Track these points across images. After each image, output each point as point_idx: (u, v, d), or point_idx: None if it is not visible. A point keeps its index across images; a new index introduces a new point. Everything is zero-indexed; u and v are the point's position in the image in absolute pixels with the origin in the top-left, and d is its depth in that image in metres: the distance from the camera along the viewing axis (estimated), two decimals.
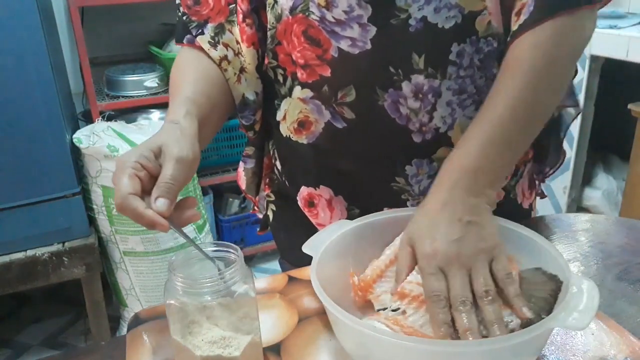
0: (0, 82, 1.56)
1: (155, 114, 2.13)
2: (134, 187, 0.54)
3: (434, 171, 0.73)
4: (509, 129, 0.61)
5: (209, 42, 0.74)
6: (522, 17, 0.63)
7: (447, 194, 0.60)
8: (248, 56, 0.76)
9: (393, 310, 0.58)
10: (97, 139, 1.75)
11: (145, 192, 0.55)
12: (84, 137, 1.76)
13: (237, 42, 0.75)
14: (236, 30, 0.75)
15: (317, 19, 0.67)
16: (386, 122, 0.70)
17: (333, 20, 0.66)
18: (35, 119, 1.62)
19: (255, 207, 0.96)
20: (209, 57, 0.74)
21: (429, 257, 0.57)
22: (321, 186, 0.78)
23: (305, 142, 0.76)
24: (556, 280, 0.57)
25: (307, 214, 0.81)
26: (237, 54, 0.76)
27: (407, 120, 0.70)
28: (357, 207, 0.78)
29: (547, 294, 0.56)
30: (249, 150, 0.90)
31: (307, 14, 0.67)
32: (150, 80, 2.03)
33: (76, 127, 1.92)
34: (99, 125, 1.84)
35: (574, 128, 2.15)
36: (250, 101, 0.78)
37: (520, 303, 0.54)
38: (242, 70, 0.76)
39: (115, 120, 1.90)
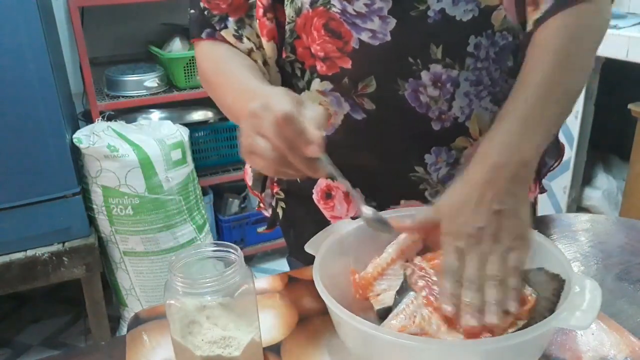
0: (0, 82, 1.56)
1: (155, 114, 2.13)
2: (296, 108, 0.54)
3: (452, 159, 0.74)
4: (545, 106, 0.62)
5: (234, 35, 0.75)
6: (544, 6, 0.65)
7: (485, 172, 0.59)
8: (268, 50, 0.76)
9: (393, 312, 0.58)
10: (97, 139, 1.75)
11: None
12: (84, 137, 1.76)
13: (257, 36, 0.76)
14: (256, 24, 0.75)
15: (339, 11, 0.68)
16: (406, 111, 0.71)
17: (354, 12, 0.68)
18: (35, 119, 1.62)
19: (261, 204, 0.97)
20: (238, 49, 0.75)
21: (451, 236, 0.58)
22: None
23: (324, 134, 0.77)
24: (559, 279, 0.57)
25: (322, 207, 0.82)
26: (259, 47, 0.76)
27: (427, 109, 0.71)
28: (374, 199, 0.78)
29: (549, 293, 0.56)
30: None
31: (328, 7, 0.69)
32: (150, 80, 2.03)
33: (76, 127, 1.92)
34: (99, 125, 1.84)
35: (574, 128, 2.15)
36: None
37: (512, 295, 0.54)
38: (264, 63, 0.77)
39: (115, 120, 1.90)
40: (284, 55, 0.78)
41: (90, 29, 2.08)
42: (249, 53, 0.75)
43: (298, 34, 0.74)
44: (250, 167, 0.93)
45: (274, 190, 0.91)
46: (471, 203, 0.58)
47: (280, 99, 0.55)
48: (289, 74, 0.79)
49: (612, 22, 1.96)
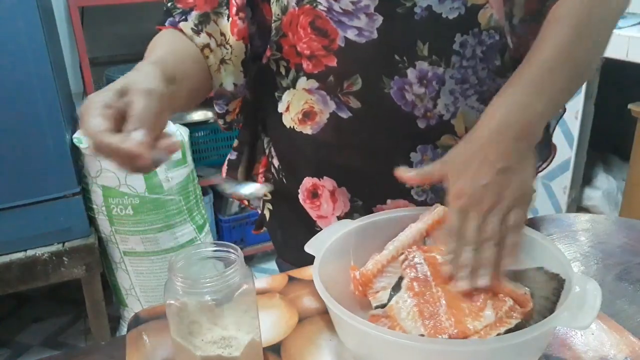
0: (0, 82, 1.56)
1: None
2: (104, 123, 0.51)
3: (438, 157, 0.74)
4: (556, 74, 0.62)
5: (192, 28, 0.73)
6: None
7: (491, 130, 0.59)
8: (237, 49, 0.75)
9: (381, 307, 0.59)
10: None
11: (116, 131, 0.52)
12: (84, 137, 1.76)
13: (222, 34, 0.75)
14: (222, 21, 0.74)
15: (325, 9, 0.68)
16: (392, 109, 0.71)
17: (340, 10, 0.68)
18: (35, 119, 1.62)
19: (233, 197, 0.97)
20: (191, 41, 0.73)
21: (454, 197, 0.59)
22: (325, 177, 0.79)
23: (309, 132, 0.77)
24: (558, 279, 0.57)
25: (308, 206, 0.82)
26: (220, 45, 0.75)
27: (412, 107, 0.71)
28: (360, 198, 0.78)
29: (549, 293, 0.56)
30: (235, 142, 0.91)
31: (314, 5, 0.68)
32: None
33: (76, 127, 1.92)
34: None
35: (574, 128, 2.15)
36: (227, 91, 0.78)
37: (508, 252, 0.56)
38: (222, 61, 0.75)
39: None
40: (268, 53, 0.77)
41: (90, 29, 2.08)
42: (203, 49, 0.73)
43: (284, 32, 0.73)
44: (227, 161, 0.93)
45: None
46: (476, 161, 0.58)
47: (95, 118, 0.51)
48: (273, 72, 0.78)
49: None
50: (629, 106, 1.88)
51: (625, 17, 2.08)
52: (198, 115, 2.18)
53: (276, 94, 0.80)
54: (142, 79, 0.56)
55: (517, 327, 0.53)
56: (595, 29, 0.65)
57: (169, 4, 0.75)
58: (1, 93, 1.57)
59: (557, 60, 0.62)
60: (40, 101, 1.61)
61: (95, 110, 0.52)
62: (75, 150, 1.75)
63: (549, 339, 0.57)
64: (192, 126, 2.07)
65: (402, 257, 0.62)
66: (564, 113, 0.85)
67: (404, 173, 0.64)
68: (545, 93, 0.61)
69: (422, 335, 0.54)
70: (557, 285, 0.56)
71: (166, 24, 0.74)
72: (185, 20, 0.73)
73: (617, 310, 0.66)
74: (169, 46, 0.71)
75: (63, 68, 2.00)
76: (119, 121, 0.52)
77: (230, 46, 0.75)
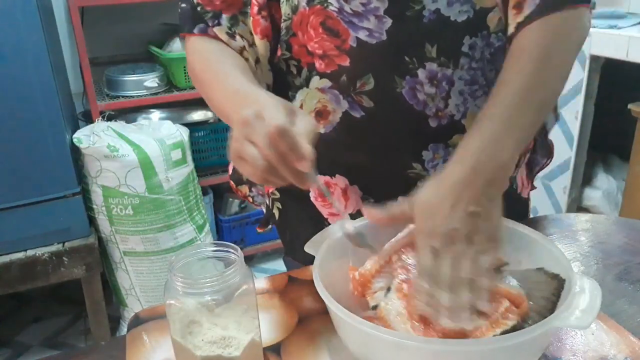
0: (0, 82, 1.56)
1: (155, 114, 2.13)
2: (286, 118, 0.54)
3: (449, 155, 0.75)
4: (523, 110, 0.62)
5: (227, 32, 0.74)
6: (527, 10, 0.65)
7: (463, 172, 0.59)
8: (261, 48, 0.76)
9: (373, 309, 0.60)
10: (97, 139, 1.75)
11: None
12: (84, 137, 1.76)
13: (251, 34, 0.76)
14: (249, 21, 0.75)
15: (335, 10, 0.69)
16: (404, 108, 0.72)
17: (351, 11, 0.68)
18: (35, 119, 1.62)
19: (239, 194, 0.97)
20: (230, 47, 0.74)
21: (425, 236, 0.58)
22: (337, 175, 0.79)
23: (322, 131, 0.77)
24: (558, 279, 0.57)
25: (319, 204, 0.82)
26: (252, 45, 0.76)
27: (424, 106, 0.72)
28: (372, 196, 0.78)
29: (549, 293, 0.56)
30: None
31: (325, 5, 0.69)
32: (150, 80, 2.03)
33: (76, 127, 1.92)
34: (99, 125, 1.84)
35: (574, 128, 2.15)
36: None
37: (482, 296, 0.55)
38: (257, 61, 0.77)
39: (115, 120, 1.90)
40: (279, 53, 0.77)
41: (90, 29, 2.09)
42: (241, 51, 0.75)
43: (294, 32, 0.74)
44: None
45: (269, 191, 0.91)
46: (447, 203, 0.58)
47: (274, 109, 0.55)
48: (283, 71, 0.79)
49: (612, 22, 1.96)
50: (629, 106, 1.88)
51: (625, 17, 2.08)
52: (198, 115, 2.18)
53: (289, 93, 0.80)
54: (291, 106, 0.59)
55: (514, 329, 0.53)
56: (559, 61, 0.65)
57: (199, 8, 0.75)
58: (1, 93, 1.57)
59: (522, 98, 0.62)
60: (40, 101, 1.61)
61: (274, 107, 0.56)
62: (75, 150, 1.76)
63: (549, 339, 0.57)
64: (192, 126, 2.07)
65: (395, 257, 0.62)
66: (558, 119, 0.86)
67: (370, 213, 0.63)
68: (512, 134, 0.61)
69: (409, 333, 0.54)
70: (557, 285, 0.56)
71: (195, 31, 0.75)
72: (219, 24, 0.74)
73: (617, 310, 0.66)
74: (235, 66, 0.72)
75: (63, 68, 2.00)
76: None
77: (256, 46, 0.76)
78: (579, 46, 0.69)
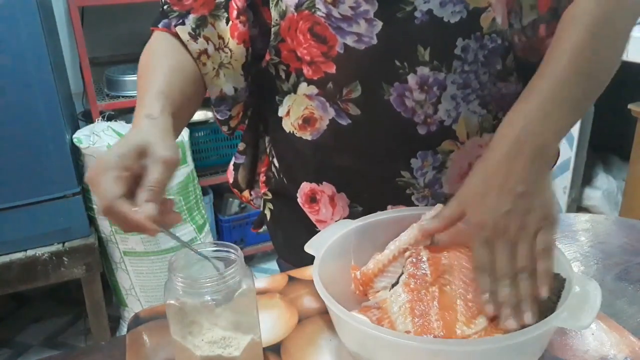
0: (0, 82, 1.56)
1: None
2: (120, 190, 0.51)
3: (438, 163, 0.73)
4: (572, 85, 0.60)
5: (189, 33, 0.72)
6: None
7: (509, 151, 0.57)
8: (237, 53, 0.74)
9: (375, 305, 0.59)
10: (97, 139, 1.75)
11: (128, 195, 0.52)
12: (84, 137, 1.76)
13: (220, 38, 0.74)
14: (220, 24, 0.73)
15: (323, 15, 0.67)
16: (391, 116, 0.70)
17: (339, 16, 0.67)
18: (35, 119, 1.62)
19: (242, 199, 0.97)
20: (187, 49, 0.73)
21: (477, 229, 0.57)
22: (324, 182, 0.78)
23: (309, 138, 0.76)
24: (559, 279, 0.57)
25: (307, 210, 0.81)
26: (218, 48, 0.74)
27: (412, 113, 0.70)
28: (359, 204, 0.78)
29: (550, 293, 0.56)
30: (241, 146, 0.90)
31: (313, 10, 0.67)
32: None
33: (76, 127, 1.92)
34: (99, 125, 1.84)
35: (574, 128, 2.15)
36: (227, 97, 0.78)
37: (543, 280, 0.54)
38: (221, 65, 0.75)
39: (115, 120, 1.90)
40: (267, 58, 0.76)
41: (90, 29, 2.08)
42: (199, 55, 0.73)
43: (283, 37, 0.72)
44: (232, 165, 0.93)
45: (262, 191, 0.91)
46: (493, 188, 0.57)
47: (110, 182, 0.51)
48: (272, 75, 0.78)
49: None
50: (629, 106, 1.88)
51: None
52: (198, 115, 2.18)
53: (277, 97, 0.79)
54: (160, 141, 0.56)
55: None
56: (613, 30, 0.63)
57: (165, 7, 0.74)
58: (1, 93, 1.57)
59: (573, 70, 0.59)
60: (40, 101, 1.61)
61: (110, 171, 0.52)
62: (75, 150, 1.75)
63: (549, 338, 0.57)
64: (192, 126, 2.07)
65: (408, 253, 0.62)
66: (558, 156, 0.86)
67: (426, 230, 0.62)
68: (561, 109, 0.59)
69: (409, 332, 0.54)
70: (558, 285, 0.56)
71: (160, 25, 0.73)
72: (183, 24, 0.72)
73: (617, 310, 0.66)
74: (169, 67, 0.70)
75: (63, 68, 2.00)
76: (135, 180, 0.53)
77: (230, 50, 0.74)
78: (635, 16, 0.65)
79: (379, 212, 0.70)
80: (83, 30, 1.87)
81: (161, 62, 0.71)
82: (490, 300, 0.55)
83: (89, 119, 2.02)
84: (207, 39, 0.73)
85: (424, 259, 0.60)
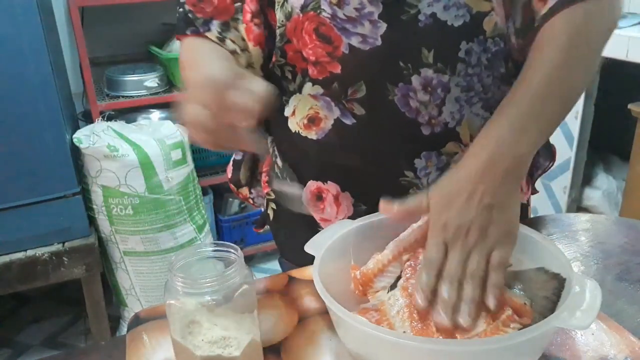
0: (0, 82, 1.56)
1: (155, 114, 2.13)
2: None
3: (442, 164, 0.74)
4: (545, 103, 0.61)
5: (218, 37, 0.74)
6: (551, 1, 0.63)
7: (481, 163, 0.58)
8: (255, 55, 0.75)
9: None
10: (97, 139, 1.75)
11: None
12: (84, 137, 1.76)
13: (243, 39, 0.75)
14: (241, 27, 0.75)
15: (329, 16, 0.68)
16: (396, 116, 0.71)
17: (344, 17, 0.67)
18: (35, 119, 1.62)
19: (240, 196, 0.97)
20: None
21: (438, 229, 0.58)
22: (328, 182, 0.79)
23: (314, 137, 0.77)
24: (559, 279, 0.57)
25: (312, 209, 0.82)
26: (243, 50, 0.75)
27: (416, 113, 0.71)
28: (363, 203, 0.78)
29: (549, 293, 0.56)
30: None
31: (318, 11, 0.68)
32: (150, 80, 2.03)
33: (76, 127, 1.92)
34: (99, 125, 1.84)
35: (574, 128, 2.15)
36: None
37: (491, 292, 0.54)
38: (249, 65, 0.76)
39: (115, 120, 1.91)
40: (274, 59, 0.77)
41: (90, 29, 2.09)
42: (232, 54, 0.74)
43: (289, 38, 0.73)
44: (232, 161, 0.93)
45: (265, 191, 0.91)
46: (462, 195, 0.57)
47: (219, 69, 0.59)
48: (278, 77, 0.78)
49: None
50: (629, 106, 1.88)
51: (625, 17, 2.07)
52: None
53: (284, 97, 0.80)
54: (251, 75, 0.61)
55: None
56: (586, 51, 0.64)
57: (190, 15, 0.74)
58: (1, 93, 1.57)
59: (546, 90, 0.61)
60: (40, 101, 1.61)
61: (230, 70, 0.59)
62: (75, 150, 1.76)
63: (550, 339, 0.57)
64: None
65: (406, 256, 0.62)
66: (554, 162, 0.87)
67: (386, 207, 0.62)
68: (533, 127, 0.60)
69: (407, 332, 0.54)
70: (558, 285, 0.56)
71: (188, 32, 0.74)
72: (209, 30, 0.73)
73: (617, 310, 0.66)
74: (216, 52, 0.72)
75: (63, 68, 2.00)
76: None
77: (249, 52, 0.75)
78: (607, 35, 0.66)
79: (378, 212, 0.70)
80: (83, 30, 1.87)
81: (210, 52, 0.73)
82: (424, 293, 0.55)
83: (89, 119, 2.02)
84: (233, 42, 0.74)
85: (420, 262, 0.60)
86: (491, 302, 0.54)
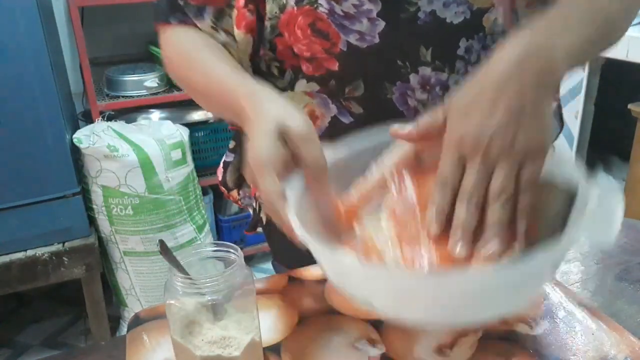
0: (0, 82, 1.56)
1: (155, 114, 2.13)
2: (278, 186, 0.51)
3: None
4: (583, 18, 0.54)
5: (211, 27, 0.70)
6: None
7: (514, 61, 0.49)
8: (243, 44, 0.71)
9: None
10: (97, 139, 1.75)
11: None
12: (84, 137, 1.76)
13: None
14: (234, 14, 0.70)
15: (326, 11, 0.66)
16: (394, 115, 0.70)
17: (342, 13, 0.66)
18: (35, 119, 1.62)
19: (231, 198, 0.95)
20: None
21: (454, 141, 0.49)
22: None
23: None
24: (568, 187, 0.48)
25: None
26: (234, 41, 0.71)
27: (415, 113, 0.70)
28: None
29: (558, 206, 0.48)
30: (231, 144, 0.90)
31: (315, 6, 0.66)
32: (150, 80, 2.03)
33: (76, 127, 1.92)
34: (99, 125, 1.84)
35: (574, 128, 2.15)
36: None
37: (522, 216, 0.47)
38: (239, 59, 0.72)
39: (115, 120, 1.90)
40: (261, 53, 0.74)
41: (90, 29, 2.08)
42: (224, 46, 0.71)
43: (280, 32, 0.70)
44: (222, 163, 0.90)
45: (257, 194, 0.91)
46: (485, 100, 0.48)
47: (296, 117, 0.53)
48: (263, 72, 0.75)
49: None
50: (629, 106, 1.88)
51: None
52: (198, 115, 2.18)
53: None
54: (293, 114, 0.54)
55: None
56: None
57: (180, 1, 0.70)
58: (1, 93, 1.57)
59: (585, 4, 0.55)
60: (40, 101, 1.61)
61: (267, 168, 0.51)
62: (75, 150, 1.76)
63: (563, 259, 0.48)
64: (192, 126, 2.07)
65: (389, 175, 0.54)
66: (562, 128, 0.84)
67: (397, 131, 0.54)
68: (569, 36, 0.52)
69: (398, 262, 0.47)
70: (567, 195, 0.47)
71: (172, 20, 0.70)
72: (202, 18, 0.69)
73: (617, 310, 0.66)
74: (219, 57, 0.67)
75: (63, 68, 2.00)
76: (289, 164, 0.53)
77: (236, 42, 0.71)
78: None
79: (361, 136, 0.61)
80: (83, 30, 1.87)
81: (212, 51, 0.68)
82: (438, 218, 0.48)
83: (89, 119, 2.02)
84: (226, 32, 0.71)
85: (408, 183, 0.53)
86: (522, 228, 0.46)
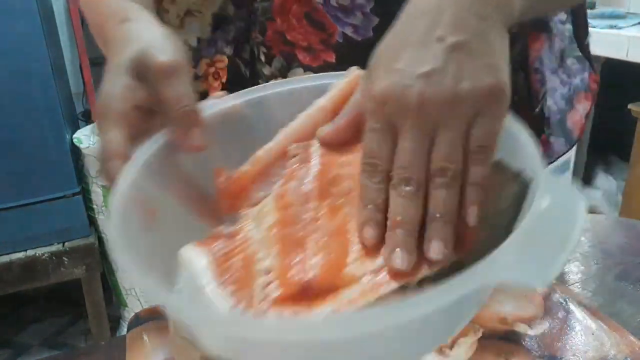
0: (0, 82, 1.56)
1: None
2: (122, 137, 0.40)
3: None
4: None
5: None
6: None
7: None
8: None
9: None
10: (97, 139, 1.74)
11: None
12: (84, 137, 1.76)
13: None
14: None
15: (321, 2, 0.65)
16: None
17: (336, 5, 0.65)
18: (35, 119, 1.62)
19: None
20: None
21: (375, 102, 0.34)
22: None
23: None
24: (521, 180, 0.34)
25: None
26: None
27: None
28: None
29: (506, 201, 0.34)
30: None
31: None
32: None
33: (76, 127, 1.92)
34: None
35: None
36: (191, 49, 0.70)
37: (472, 196, 0.33)
38: (187, 12, 0.67)
39: None
40: (252, 35, 0.71)
41: None
42: (161, 0, 0.64)
43: (272, 16, 0.68)
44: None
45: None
46: (414, 37, 0.35)
47: (165, 46, 0.40)
48: (246, 60, 0.72)
49: (612, 22, 1.96)
50: (629, 106, 1.88)
51: (625, 17, 2.08)
52: None
53: (259, 82, 0.73)
54: (159, 43, 0.41)
55: (440, 275, 0.32)
56: None
57: None
58: (1, 93, 1.57)
59: None
60: (40, 101, 1.61)
61: (116, 121, 0.41)
62: (75, 150, 1.75)
63: (487, 294, 0.34)
64: None
65: (294, 149, 0.41)
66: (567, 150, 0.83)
67: (325, 133, 0.40)
68: None
69: (268, 272, 0.33)
70: (518, 189, 0.34)
71: None
72: None
73: (617, 310, 0.66)
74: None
75: (63, 68, 2.00)
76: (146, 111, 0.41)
77: None
78: None
79: (263, 86, 0.47)
80: (83, 30, 1.87)
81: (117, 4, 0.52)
82: (373, 218, 0.33)
83: (89, 119, 2.02)
84: None
85: (313, 161, 0.39)
86: (472, 216, 0.32)
